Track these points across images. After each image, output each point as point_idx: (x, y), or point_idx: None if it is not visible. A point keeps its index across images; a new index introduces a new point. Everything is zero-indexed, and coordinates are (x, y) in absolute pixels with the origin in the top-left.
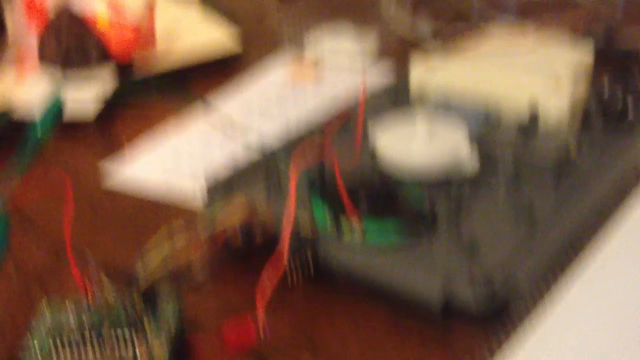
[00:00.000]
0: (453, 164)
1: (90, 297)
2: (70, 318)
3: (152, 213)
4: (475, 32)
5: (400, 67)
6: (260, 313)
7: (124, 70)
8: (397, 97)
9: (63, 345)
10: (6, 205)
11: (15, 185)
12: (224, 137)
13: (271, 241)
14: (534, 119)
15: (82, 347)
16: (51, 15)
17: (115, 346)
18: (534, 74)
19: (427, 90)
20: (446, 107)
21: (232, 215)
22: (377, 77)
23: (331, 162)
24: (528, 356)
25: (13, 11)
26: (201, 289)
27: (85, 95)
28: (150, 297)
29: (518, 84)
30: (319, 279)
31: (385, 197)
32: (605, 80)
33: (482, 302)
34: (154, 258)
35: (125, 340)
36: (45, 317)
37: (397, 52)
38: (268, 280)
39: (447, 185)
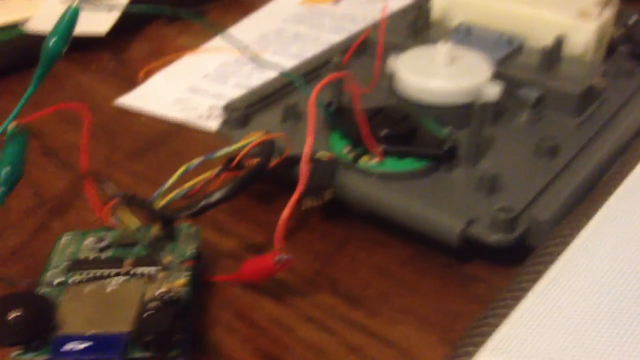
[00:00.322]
0: (474, 90)
1: (109, 228)
2: (89, 249)
3: (168, 138)
4: None
5: None
6: (279, 244)
7: None
8: (417, 21)
9: (81, 277)
10: (23, 124)
11: (29, 102)
12: (240, 62)
13: (288, 169)
14: (558, 44)
15: (100, 279)
16: None
17: (135, 279)
18: (561, 0)
19: (449, 13)
20: (468, 31)
21: (249, 142)
22: None
23: (349, 88)
24: (551, 299)
25: None
26: (220, 223)
27: (99, 10)
28: (169, 230)
29: (544, 10)
30: (338, 217)
31: (404, 124)
32: (633, 9)
33: (503, 241)
34: (172, 188)
35: (144, 273)
36: (63, 248)
37: None
38: (287, 212)
39: (467, 113)
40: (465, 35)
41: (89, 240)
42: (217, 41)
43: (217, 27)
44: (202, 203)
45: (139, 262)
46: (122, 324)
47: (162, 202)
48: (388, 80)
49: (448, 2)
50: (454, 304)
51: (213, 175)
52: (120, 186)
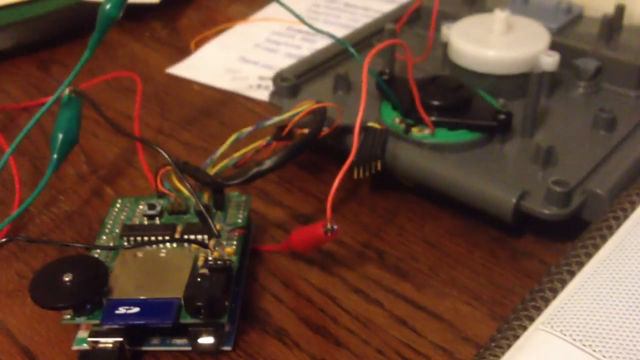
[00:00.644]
0: (531, 60)
1: (160, 195)
2: (142, 215)
3: (218, 107)
4: None
5: None
6: (330, 213)
7: None
8: None
9: (134, 243)
10: (78, 89)
11: (83, 69)
12: (290, 31)
13: (339, 139)
14: (619, 13)
15: (152, 246)
16: None
17: (186, 246)
18: None
19: None
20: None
21: (299, 111)
22: None
23: (403, 57)
24: (608, 273)
25: None
26: (268, 193)
27: None
28: (219, 198)
29: None
30: (387, 189)
31: (458, 94)
32: None
33: (558, 215)
34: (223, 157)
35: (195, 240)
36: (117, 214)
37: None
38: (337, 181)
39: (523, 83)
40: (523, 3)
41: (142, 207)
42: (268, 11)
43: None
44: (254, 170)
45: (189, 229)
46: (173, 289)
47: (213, 171)
48: (441, 49)
49: None
50: (504, 279)
51: (263, 144)
52: (172, 154)
